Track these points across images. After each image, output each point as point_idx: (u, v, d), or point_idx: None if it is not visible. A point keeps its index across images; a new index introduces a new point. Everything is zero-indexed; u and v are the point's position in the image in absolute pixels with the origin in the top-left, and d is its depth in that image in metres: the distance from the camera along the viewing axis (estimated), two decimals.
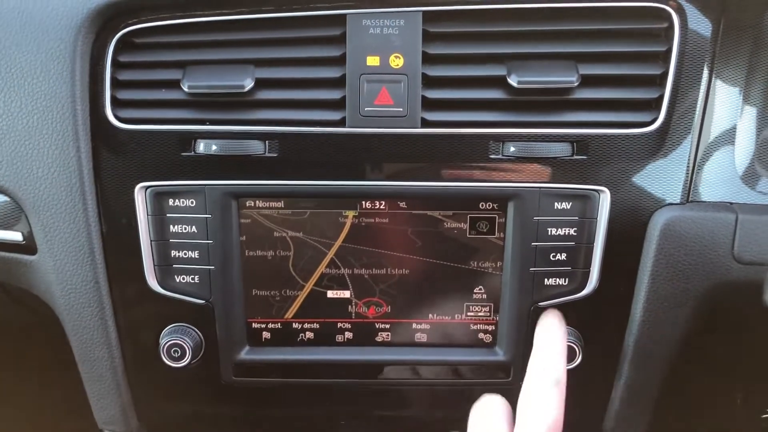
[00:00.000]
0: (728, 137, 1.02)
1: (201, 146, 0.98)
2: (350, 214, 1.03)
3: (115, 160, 1.00)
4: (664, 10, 0.96)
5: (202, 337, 1.07)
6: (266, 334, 1.09)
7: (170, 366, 1.05)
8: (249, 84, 0.95)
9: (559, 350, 0.90)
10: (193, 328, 1.07)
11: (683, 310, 1.02)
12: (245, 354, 1.09)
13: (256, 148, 0.98)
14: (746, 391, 1.53)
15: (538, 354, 0.89)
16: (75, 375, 1.14)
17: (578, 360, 1.04)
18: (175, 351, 1.04)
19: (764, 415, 1.53)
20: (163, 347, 1.04)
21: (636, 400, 1.11)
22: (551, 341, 0.91)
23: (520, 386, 1.08)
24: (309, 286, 1.06)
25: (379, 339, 1.09)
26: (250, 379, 1.11)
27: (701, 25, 0.98)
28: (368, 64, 0.97)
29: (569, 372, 1.04)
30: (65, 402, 1.46)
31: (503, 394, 1.11)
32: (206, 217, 1.01)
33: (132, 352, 1.10)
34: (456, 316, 1.08)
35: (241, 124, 0.98)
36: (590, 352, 1.05)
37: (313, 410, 1.19)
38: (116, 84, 0.99)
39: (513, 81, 0.95)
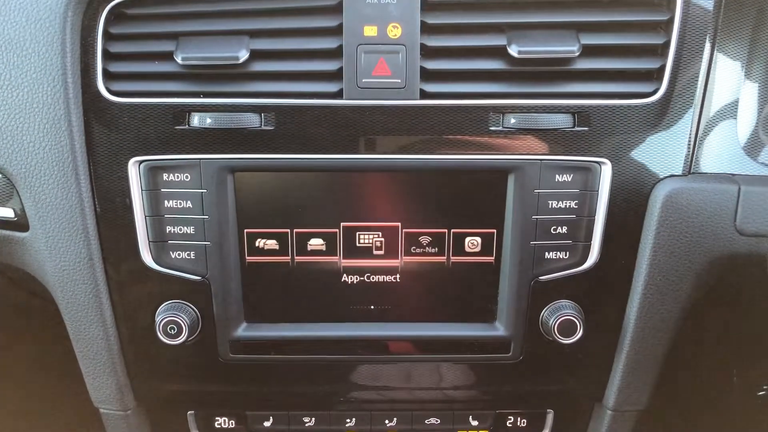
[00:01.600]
0: (731, 108, 1.02)
1: (195, 119, 0.96)
2: (348, 187, 1.01)
3: (107, 134, 0.98)
4: None
5: (198, 314, 1.06)
6: (263, 311, 1.08)
7: (166, 343, 1.03)
8: (244, 55, 0.93)
9: None
10: (189, 304, 1.05)
11: (685, 283, 1.02)
12: (242, 331, 1.08)
13: (252, 121, 0.96)
14: (744, 367, 1.53)
15: None
16: (70, 354, 1.13)
17: (579, 334, 1.03)
18: (171, 328, 1.03)
19: (761, 392, 1.53)
20: (159, 324, 1.03)
21: (637, 374, 1.11)
22: None
23: (520, 361, 1.09)
24: (307, 261, 1.05)
25: (378, 314, 1.08)
26: (247, 356, 1.10)
27: None
28: (365, 34, 0.95)
29: (571, 346, 1.04)
30: (61, 381, 1.45)
31: (503, 369, 1.12)
32: (201, 192, 0.99)
33: (127, 329, 1.09)
34: (456, 291, 1.07)
35: (236, 97, 0.96)
36: (591, 326, 1.04)
37: (310, 387, 1.18)
38: (108, 56, 0.96)
39: (513, 51, 0.93)
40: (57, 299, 1.08)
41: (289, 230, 1.03)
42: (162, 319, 1.03)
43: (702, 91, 1.00)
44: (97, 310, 1.05)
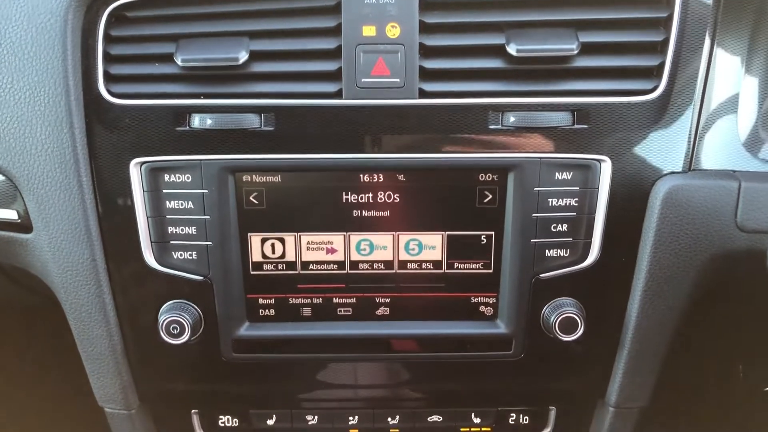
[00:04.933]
0: (731, 105, 1.01)
1: (196, 120, 0.97)
2: (349, 188, 1.02)
3: (109, 136, 0.98)
4: None
5: (201, 314, 1.06)
6: (266, 310, 1.08)
7: (170, 343, 1.04)
8: (243, 56, 0.94)
9: None
10: (192, 304, 1.06)
11: (685, 280, 1.02)
12: (245, 330, 1.09)
13: (252, 121, 0.97)
14: (749, 363, 1.53)
15: None
16: (75, 354, 1.14)
17: (580, 331, 1.03)
18: (174, 328, 1.03)
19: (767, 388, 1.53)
20: (162, 324, 1.03)
21: (638, 372, 1.11)
22: None
23: (521, 359, 1.10)
24: (308, 260, 1.06)
25: (379, 313, 1.09)
26: (250, 355, 1.11)
27: None
28: (364, 34, 0.95)
29: (572, 343, 1.04)
30: (66, 381, 1.46)
31: (505, 367, 1.12)
32: (202, 192, 1.00)
33: (131, 329, 1.10)
34: (457, 289, 1.07)
35: (236, 98, 0.97)
36: (592, 323, 1.04)
37: (313, 385, 1.18)
38: (109, 58, 0.97)
39: (512, 50, 0.93)
40: (61, 300, 1.08)
41: (289, 229, 1.04)
42: (165, 319, 1.03)
43: (702, 87, 1.00)
44: (100, 310, 1.06)
